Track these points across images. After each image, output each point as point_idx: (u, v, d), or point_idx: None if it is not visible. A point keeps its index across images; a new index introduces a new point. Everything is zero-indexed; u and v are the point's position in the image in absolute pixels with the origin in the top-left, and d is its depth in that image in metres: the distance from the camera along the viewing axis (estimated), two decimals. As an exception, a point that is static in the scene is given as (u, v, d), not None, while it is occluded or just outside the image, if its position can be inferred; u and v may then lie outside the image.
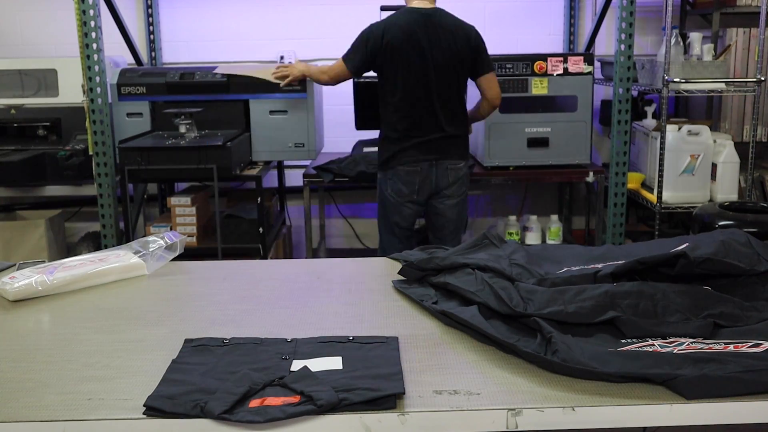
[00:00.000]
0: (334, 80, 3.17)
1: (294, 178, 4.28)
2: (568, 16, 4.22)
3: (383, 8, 3.65)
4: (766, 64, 3.41)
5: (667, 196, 3.48)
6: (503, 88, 3.47)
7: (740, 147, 3.60)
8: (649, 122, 3.80)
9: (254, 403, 1.08)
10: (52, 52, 4.16)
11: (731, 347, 1.19)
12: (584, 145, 3.58)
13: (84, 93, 3.37)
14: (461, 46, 2.98)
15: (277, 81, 3.42)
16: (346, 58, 3.05)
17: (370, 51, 2.97)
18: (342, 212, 4.44)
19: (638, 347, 1.21)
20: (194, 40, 4.25)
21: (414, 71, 2.96)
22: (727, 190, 3.53)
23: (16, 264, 1.79)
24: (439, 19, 2.99)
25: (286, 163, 4.23)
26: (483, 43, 3.06)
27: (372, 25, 3.01)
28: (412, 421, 1.07)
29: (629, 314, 1.28)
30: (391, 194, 3.07)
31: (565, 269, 1.57)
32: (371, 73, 3.12)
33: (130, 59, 4.03)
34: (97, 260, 1.73)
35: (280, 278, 1.74)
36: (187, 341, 1.32)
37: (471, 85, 3.16)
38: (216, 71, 3.55)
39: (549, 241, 3.99)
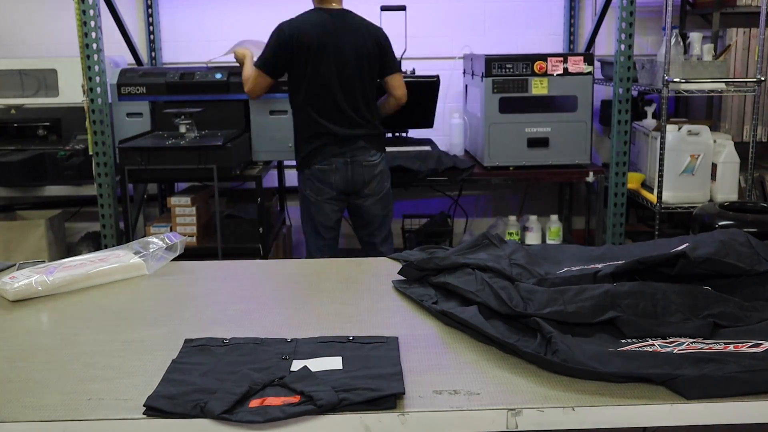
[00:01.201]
0: (254, 93, 3.19)
1: (294, 178, 4.27)
2: (568, 16, 4.22)
3: (383, 8, 3.66)
4: (766, 64, 3.41)
5: (667, 196, 3.48)
6: (504, 89, 3.49)
7: (740, 147, 3.60)
8: (649, 122, 3.80)
9: (254, 403, 1.08)
10: (52, 52, 4.16)
11: (731, 347, 1.19)
12: (584, 145, 3.58)
13: (84, 93, 3.37)
14: (369, 46, 3.05)
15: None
16: (261, 64, 3.09)
17: (284, 51, 3.02)
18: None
19: (638, 347, 1.21)
20: (194, 40, 4.25)
21: (324, 70, 3.00)
22: (727, 190, 3.53)
23: (16, 264, 1.79)
24: (347, 19, 3.05)
25: (286, 163, 4.22)
26: (390, 44, 3.14)
27: (281, 25, 3.05)
28: (412, 421, 1.07)
29: (629, 314, 1.28)
30: (310, 194, 3.11)
31: (565, 269, 1.57)
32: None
33: (130, 59, 4.03)
34: (97, 260, 1.73)
35: (280, 278, 1.74)
36: (187, 341, 1.32)
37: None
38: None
39: (549, 241, 3.99)
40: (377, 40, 3.07)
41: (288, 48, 3.00)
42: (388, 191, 3.20)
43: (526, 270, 1.54)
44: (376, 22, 3.17)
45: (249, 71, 3.18)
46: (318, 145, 3.05)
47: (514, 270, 1.54)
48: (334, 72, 3.00)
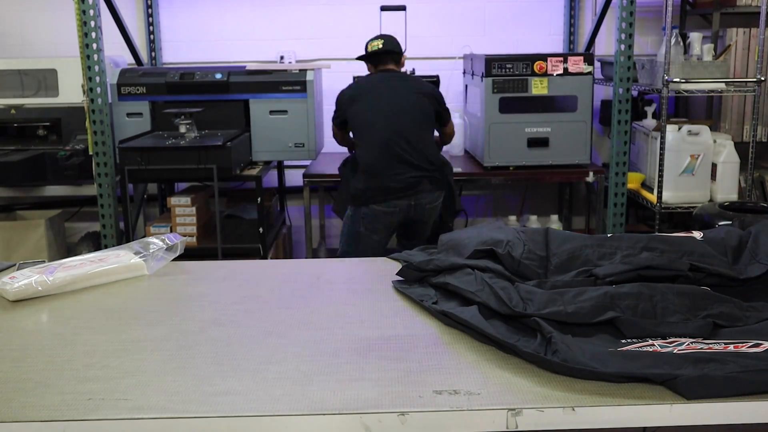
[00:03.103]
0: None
1: (294, 178, 4.28)
2: (568, 16, 4.22)
3: (383, 8, 3.66)
4: (766, 64, 3.41)
5: (667, 196, 3.48)
6: (504, 89, 3.49)
7: (740, 147, 3.60)
8: (649, 122, 3.80)
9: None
10: (52, 52, 4.16)
11: (731, 347, 1.19)
12: (584, 145, 3.58)
13: (84, 93, 3.37)
14: None
15: None
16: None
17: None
18: (342, 212, 4.43)
19: (638, 347, 1.21)
20: (194, 40, 4.25)
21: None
22: (727, 190, 3.53)
23: (16, 264, 1.79)
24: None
25: (286, 163, 4.22)
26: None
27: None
28: (412, 421, 1.07)
29: (628, 315, 1.28)
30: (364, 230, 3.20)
31: (568, 249, 1.57)
32: None
33: (130, 59, 4.03)
34: (97, 260, 1.73)
35: (280, 278, 1.74)
36: None
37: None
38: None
39: (549, 241, 3.97)
40: None
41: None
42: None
43: (531, 240, 1.58)
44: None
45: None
46: None
47: (522, 236, 1.58)
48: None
